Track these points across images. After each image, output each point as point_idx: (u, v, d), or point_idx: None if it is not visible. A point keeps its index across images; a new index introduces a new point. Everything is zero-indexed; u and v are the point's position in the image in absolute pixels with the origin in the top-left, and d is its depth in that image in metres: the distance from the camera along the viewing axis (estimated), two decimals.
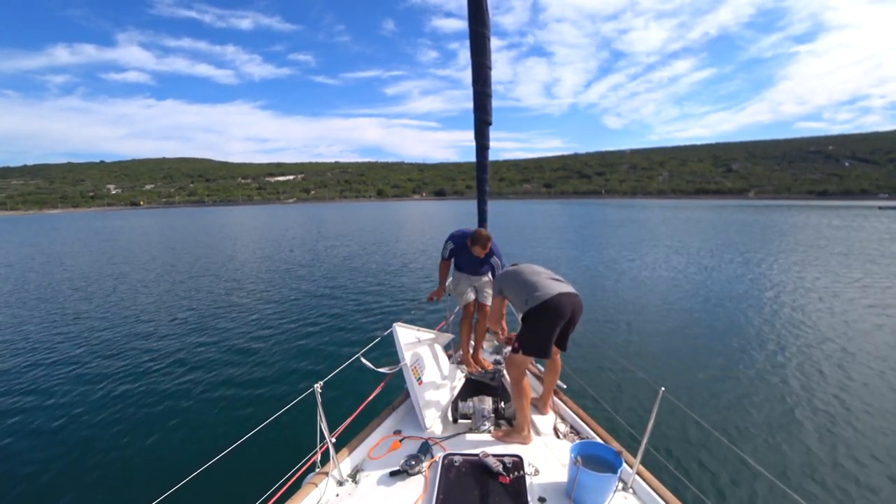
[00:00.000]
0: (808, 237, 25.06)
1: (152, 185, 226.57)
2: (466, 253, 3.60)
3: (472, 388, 3.44)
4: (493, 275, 3.78)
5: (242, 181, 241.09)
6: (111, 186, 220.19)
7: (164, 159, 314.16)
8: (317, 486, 2.17)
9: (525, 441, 2.65)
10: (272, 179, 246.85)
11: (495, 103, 3.88)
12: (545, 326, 2.65)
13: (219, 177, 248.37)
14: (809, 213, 56.42)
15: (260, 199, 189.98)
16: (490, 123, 3.82)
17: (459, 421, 3.04)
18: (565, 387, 3.26)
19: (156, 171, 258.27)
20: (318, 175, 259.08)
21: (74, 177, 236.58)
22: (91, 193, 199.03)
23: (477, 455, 2.33)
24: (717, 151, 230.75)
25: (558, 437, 2.80)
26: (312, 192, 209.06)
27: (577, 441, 2.55)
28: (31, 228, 48.79)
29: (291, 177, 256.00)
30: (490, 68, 3.57)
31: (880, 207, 72.49)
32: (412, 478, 2.31)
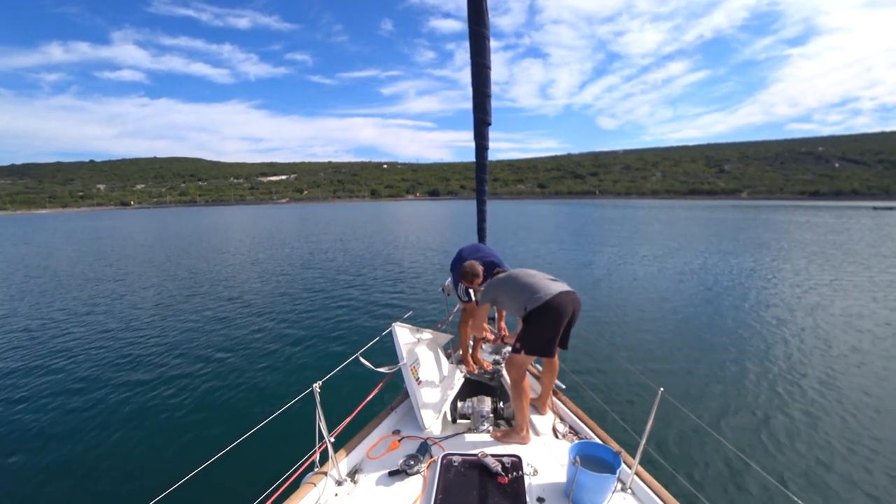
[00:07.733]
0: (809, 238, 25.29)
1: (143, 185, 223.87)
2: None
3: (471, 388, 3.44)
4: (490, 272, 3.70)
5: (235, 181, 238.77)
6: (101, 186, 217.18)
7: (155, 159, 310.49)
8: (315, 485, 2.17)
9: (524, 441, 2.66)
10: (265, 179, 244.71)
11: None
12: (549, 326, 2.66)
13: (210, 176, 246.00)
14: (805, 213, 57.03)
15: (252, 199, 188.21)
16: (489, 123, 3.83)
17: (458, 421, 3.04)
18: (564, 387, 3.27)
19: (147, 171, 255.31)
20: (311, 175, 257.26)
21: (64, 176, 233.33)
22: (80, 193, 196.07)
23: (476, 455, 2.34)
24: (709, 152, 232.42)
25: (557, 437, 2.80)
26: (305, 192, 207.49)
27: (576, 441, 2.56)
28: (22, 229, 48.02)
29: (284, 177, 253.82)
30: (489, 68, 3.57)
31: (875, 208, 73.89)
32: (411, 478, 2.31)
